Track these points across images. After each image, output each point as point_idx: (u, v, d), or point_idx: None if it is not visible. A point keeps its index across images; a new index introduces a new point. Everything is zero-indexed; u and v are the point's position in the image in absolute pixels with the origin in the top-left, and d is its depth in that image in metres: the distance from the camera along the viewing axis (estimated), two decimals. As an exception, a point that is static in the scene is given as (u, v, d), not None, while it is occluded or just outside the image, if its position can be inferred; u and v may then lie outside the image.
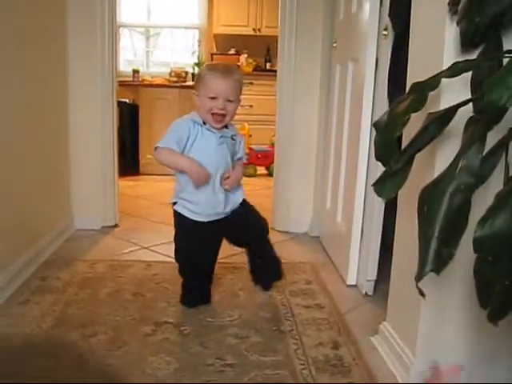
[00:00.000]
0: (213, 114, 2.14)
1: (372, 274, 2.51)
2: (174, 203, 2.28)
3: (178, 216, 2.26)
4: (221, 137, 2.21)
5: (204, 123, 2.18)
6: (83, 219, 3.45)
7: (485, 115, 1.06)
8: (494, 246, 1.03)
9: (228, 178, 2.23)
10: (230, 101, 2.16)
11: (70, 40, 3.29)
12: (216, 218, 2.25)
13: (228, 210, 2.27)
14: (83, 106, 3.37)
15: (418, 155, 1.31)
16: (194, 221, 2.22)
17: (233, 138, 2.28)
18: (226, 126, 2.23)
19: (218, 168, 2.20)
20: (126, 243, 3.23)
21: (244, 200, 2.33)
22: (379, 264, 2.49)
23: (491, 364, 1.70)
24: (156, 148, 2.15)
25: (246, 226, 2.33)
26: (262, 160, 5.64)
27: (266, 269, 2.47)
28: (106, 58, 3.36)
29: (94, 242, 3.24)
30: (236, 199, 2.31)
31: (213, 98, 2.13)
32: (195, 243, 2.25)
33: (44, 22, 2.89)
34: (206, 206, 2.22)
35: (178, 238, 2.30)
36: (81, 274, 2.65)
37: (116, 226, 3.56)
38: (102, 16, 3.31)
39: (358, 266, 2.62)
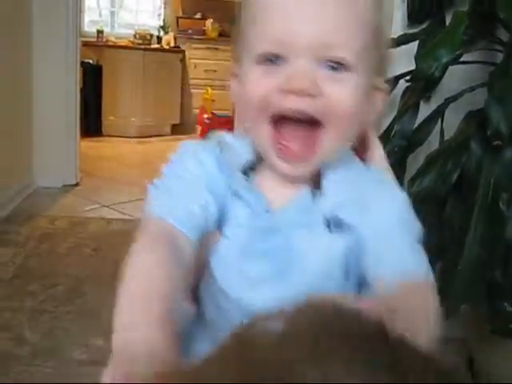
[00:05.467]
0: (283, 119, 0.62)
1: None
2: None
3: None
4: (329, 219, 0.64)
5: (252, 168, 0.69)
6: (44, 177, 3.48)
7: (417, 84, 1.17)
8: (421, 204, 1.15)
9: None
10: (335, 68, 0.60)
11: (34, -3, 3.28)
12: None
13: None
14: (46, 65, 3.37)
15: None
16: None
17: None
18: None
19: None
20: (86, 201, 3.28)
21: None
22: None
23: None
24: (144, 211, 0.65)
25: None
26: (223, 125, 5.68)
27: None
28: (70, 17, 3.36)
29: (54, 199, 3.29)
30: None
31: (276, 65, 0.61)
32: None
33: (7, -23, 2.88)
34: None
35: None
36: (41, 229, 2.71)
37: (77, 184, 3.60)
38: (67, -26, 3.29)
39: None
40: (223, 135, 0.71)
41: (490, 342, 1.52)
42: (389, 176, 0.72)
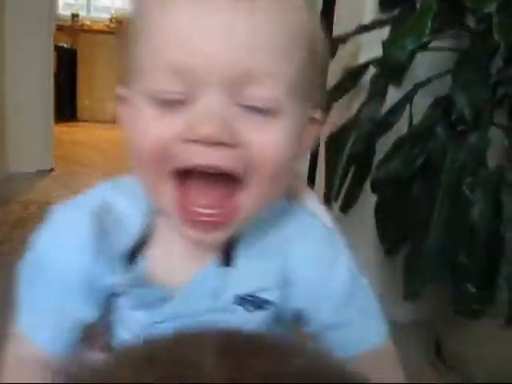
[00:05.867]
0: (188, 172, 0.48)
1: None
2: None
3: None
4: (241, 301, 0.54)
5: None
6: (18, 162, 3.43)
7: (385, 70, 1.19)
8: (388, 186, 1.18)
9: None
10: (258, 109, 0.46)
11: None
12: None
13: None
14: (19, 49, 3.31)
15: (335, 104, 1.43)
16: None
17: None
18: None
19: None
20: (61, 187, 3.26)
21: None
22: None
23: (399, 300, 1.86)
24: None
25: None
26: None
27: None
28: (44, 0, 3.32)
29: (28, 184, 3.26)
30: None
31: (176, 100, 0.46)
32: None
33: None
34: None
35: None
36: (15, 214, 2.69)
37: (52, 170, 3.58)
38: (40, -44, 3.25)
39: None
40: (113, 189, 0.57)
41: (456, 324, 1.56)
42: (334, 232, 0.60)
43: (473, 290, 1.25)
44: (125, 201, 0.55)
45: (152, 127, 0.46)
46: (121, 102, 0.52)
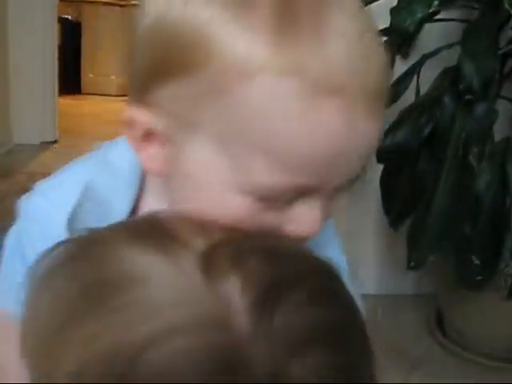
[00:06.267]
0: None
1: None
2: None
3: None
4: None
5: None
6: (22, 134, 3.43)
7: (393, 39, 1.18)
8: (394, 157, 1.17)
9: None
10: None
11: None
12: None
13: None
14: (23, 22, 3.29)
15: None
16: None
17: None
18: None
19: None
20: (64, 158, 3.19)
21: None
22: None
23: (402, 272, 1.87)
24: None
25: None
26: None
27: None
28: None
29: (33, 156, 3.26)
30: None
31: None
32: None
33: None
34: None
35: None
36: (19, 184, 2.69)
37: (55, 141, 3.58)
38: None
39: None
40: (99, 170, 0.54)
41: (458, 297, 1.56)
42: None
43: (477, 261, 1.25)
44: (111, 184, 0.52)
45: (246, 213, 0.40)
46: (150, 139, 0.43)
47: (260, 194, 0.39)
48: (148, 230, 0.39)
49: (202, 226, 0.39)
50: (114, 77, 5.40)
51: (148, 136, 0.43)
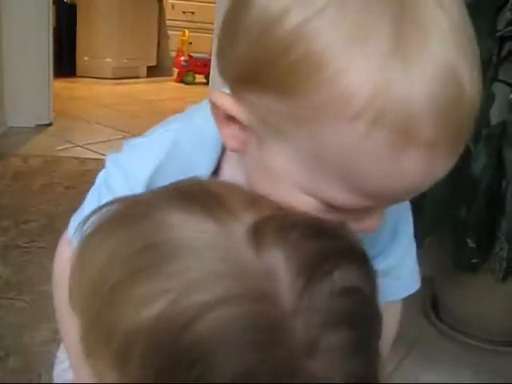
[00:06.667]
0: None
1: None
2: None
3: None
4: None
5: None
6: (17, 117, 3.40)
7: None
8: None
9: None
10: None
11: None
12: None
13: None
14: (17, 3, 3.26)
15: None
16: None
17: None
18: None
19: None
20: (60, 141, 3.25)
21: None
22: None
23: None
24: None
25: None
26: (201, 68, 5.63)
27: None
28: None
29: (27, 138, 3.24)
30: None
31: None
32: None
33: None
34: None
35: None
36: (14, 167, 2.69)
37: (50, 124, 3.55)
38: None
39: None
40: (183, 132, 0.56)
41: (454, 279, 1.57)
42: None
43: (472, 244, 1.25)
44: (195, 143, 0.55)
45: (299, 205, 0.43)
46: (240, 133, 0.45)
47: (328, 203, 0.43)
48: (200, 198, 0.41)
49: (253, 199, 0.42)
50: (109, 59, 5.35)
51: (230, 118, 0.44)
